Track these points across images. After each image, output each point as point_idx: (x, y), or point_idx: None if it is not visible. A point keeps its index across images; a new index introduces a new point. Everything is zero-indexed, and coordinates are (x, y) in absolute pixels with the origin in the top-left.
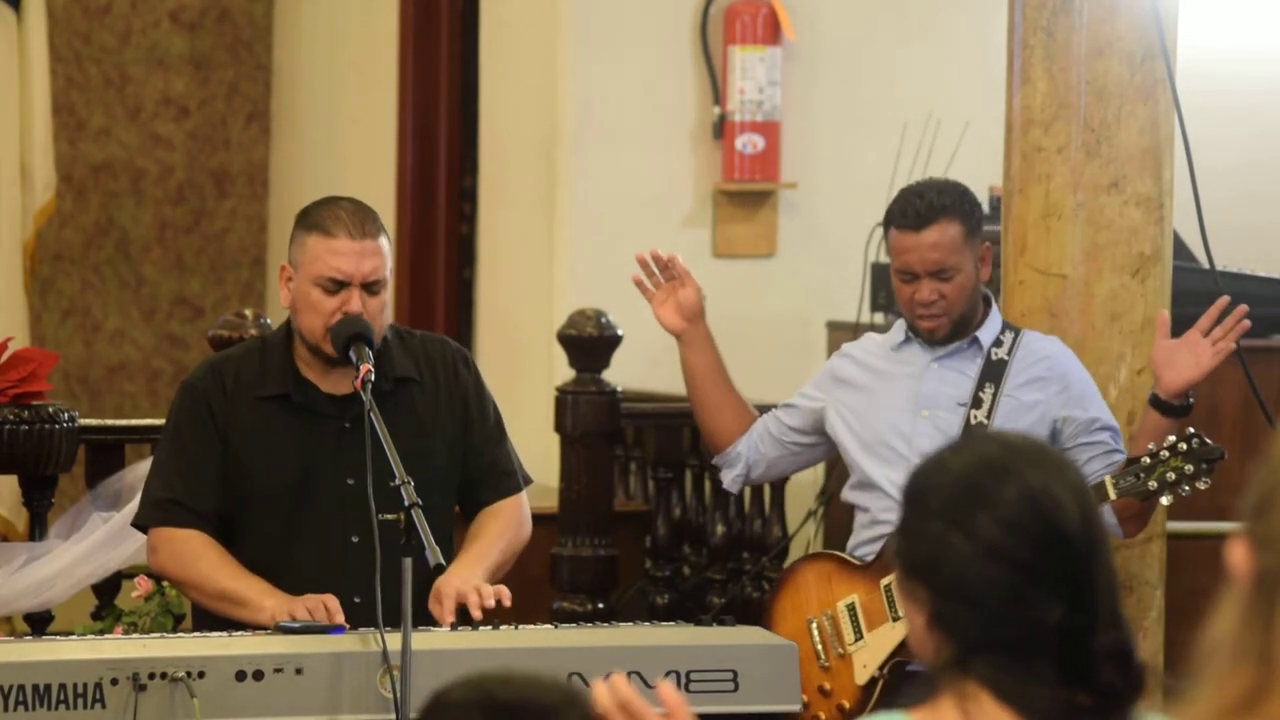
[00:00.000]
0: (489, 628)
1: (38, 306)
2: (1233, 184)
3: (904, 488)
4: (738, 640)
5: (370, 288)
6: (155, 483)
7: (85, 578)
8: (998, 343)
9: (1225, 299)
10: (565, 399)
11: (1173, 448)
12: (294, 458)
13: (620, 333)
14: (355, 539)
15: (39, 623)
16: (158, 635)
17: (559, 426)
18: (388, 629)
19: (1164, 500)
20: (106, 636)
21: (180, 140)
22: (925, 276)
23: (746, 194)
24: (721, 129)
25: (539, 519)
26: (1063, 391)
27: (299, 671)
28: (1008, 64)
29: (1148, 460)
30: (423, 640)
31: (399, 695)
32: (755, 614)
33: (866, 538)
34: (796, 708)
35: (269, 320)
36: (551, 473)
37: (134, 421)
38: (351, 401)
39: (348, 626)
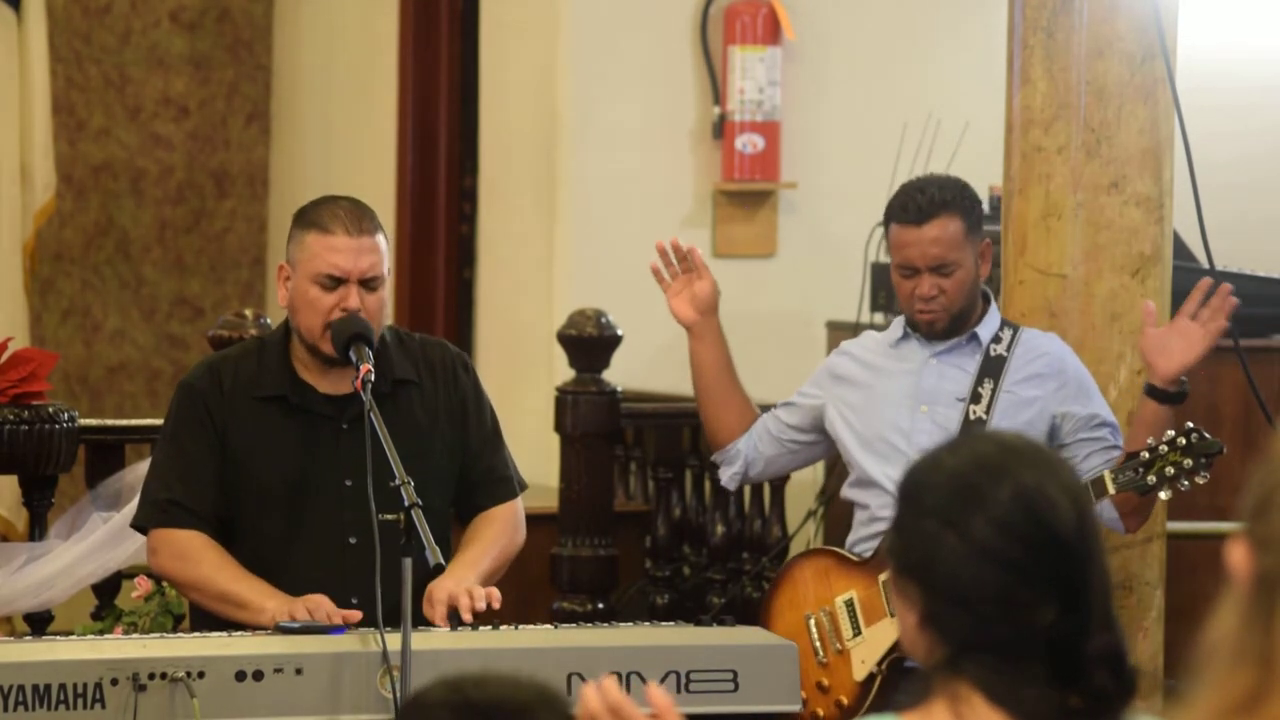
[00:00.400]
0: (489, 628)
1: (38, 306)
2: (1230, 176)
3: (899, 485)
4: (737, 640)
5: (368, 284)
6: (154, 483)
7: (85, 578)
8: (996, 339)
9: (1208, 280)
10: (565, 399)
11: (1172, 442)
12: (292, 458)
13: (620, 333)
14: (353, 540)
15: (39, 623)
16: (157, 635)
17: (559, 426)
18: (387, 629)
19: (1163, 495)
20: (106, 637)
21: (180, 140)
22: (926, 271)
23: (746, 194)
24: (721, 129)
25: (539, 519)
26: (1061, 387)
27: (299, 672)
28: (1008, 64)
29: (1147, 455)
30: (422, 640)
31: (399, 695)
32: (755, 614)
33: (865, 535)
34: (796, 708)
35: (269, 320)
36: (551, 473)
37: (134, 421)
38: (349, 402)
39: (348, 627)
